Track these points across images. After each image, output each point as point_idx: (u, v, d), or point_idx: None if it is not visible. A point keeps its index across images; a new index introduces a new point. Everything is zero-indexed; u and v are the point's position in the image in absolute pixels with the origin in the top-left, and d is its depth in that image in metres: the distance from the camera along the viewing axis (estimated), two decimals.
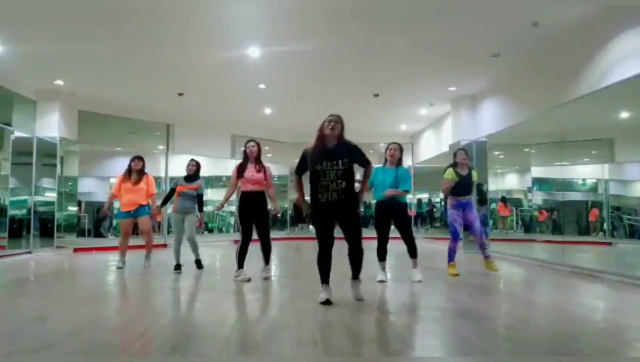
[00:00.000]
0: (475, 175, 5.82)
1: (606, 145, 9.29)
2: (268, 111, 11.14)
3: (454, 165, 5.75)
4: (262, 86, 9.05)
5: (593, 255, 8.59)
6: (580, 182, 10.81)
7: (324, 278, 3.84)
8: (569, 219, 9.93)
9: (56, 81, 8.66)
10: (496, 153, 9.89)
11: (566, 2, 5.56)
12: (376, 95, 9.56)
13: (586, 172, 10.64)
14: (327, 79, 8.71)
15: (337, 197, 3.73)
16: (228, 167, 13.34)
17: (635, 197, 9.37)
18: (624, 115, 7.93)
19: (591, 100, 5.98)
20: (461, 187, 5.67)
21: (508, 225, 11.29)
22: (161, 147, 11.91)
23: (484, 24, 6.18)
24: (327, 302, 3.70)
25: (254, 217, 5.14)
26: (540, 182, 10.53)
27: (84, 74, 8.32)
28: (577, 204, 10.44)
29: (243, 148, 5.37)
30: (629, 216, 9.28)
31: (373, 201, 5.37)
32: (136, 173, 6.25)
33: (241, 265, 5.15)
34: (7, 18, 6.02)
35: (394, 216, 5.13)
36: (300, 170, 4.00)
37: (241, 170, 5.18)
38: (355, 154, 3.82)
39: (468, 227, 5.78)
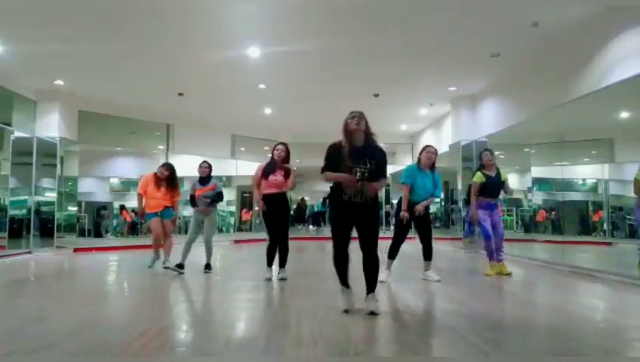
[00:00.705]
0: (504, 174, 5.74)
1: (606, 145, 9.28)
2: (268, 111, 11.13)
3: (481, 167, 5.72)
4: (262, 86, 9.05)
5: (593, 255, 8.59)
6: (580, 182, 10.81)
7: (343, 279, 3.57)
8: (569, 219, 9.93)
9: (56, 81, 8.66)
10: (497, 153, 9.86)
11: (566, 2, 5.56)
12: (376, 95, 9.56)
13: (586, 172, 10.63)
14: (327, 79, 8.71)
15: (361, 199, 3.47)
16: (228, 167, 13.36)
17: (635, 197, 9.36)
18: (624, 114, 7.93)
19: (591, 100, 5.98)
20: (489, 188, 5.65)
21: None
22: (161, 147, 11.91)
23: (484, 24, 6.18)
24: (347, 312, 3.43)
25: (277, 218, 5.19)
26: (540, 182, 10.53)
27: (84, 74, 8.32)
28: (577, 203, 10.44)
29: (271, 150, 5.36)
30: (629, 216, 9.28)
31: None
32: (164, 181, 6.07)
33: (270, 263, 5.21)
34: (7, 18, 6.01)
35: (417, 218, 5.14)
36: (326, 169, 3.57)
37: (267, 172, 5.18)
38: (381, 162, 3.55)
39: (492, 228, 5.73)
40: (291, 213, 14.83)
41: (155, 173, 6.07)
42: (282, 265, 5.25)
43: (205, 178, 5.99)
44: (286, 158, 5.25)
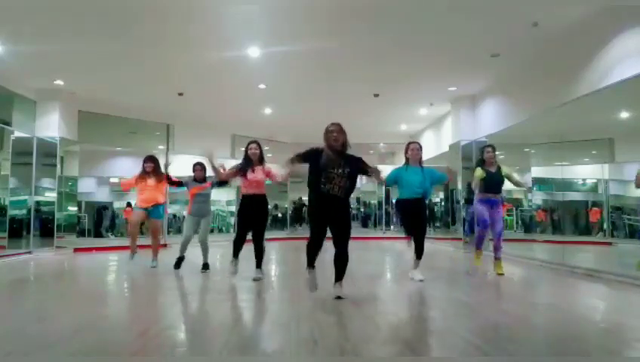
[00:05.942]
0: (504, 170, 5.78)
1: (606, 145, 9.29)
2: (268, 111, 11.14)
3: (482, 163, 5.74)
4: (262, 86, 9.05)
5: (593, 255, 8.59)
6: (580, 182, 10.82)
7: (311, 262, 4.12)
8: (568, 219, 9.93)
9: (56, 81, 8.65)
10: (497, 153, 9.89)
11: (566, 2, 5.56)
12: (376, 95, 9.55)
13: (586, 172, 10.64)
14: (327, 79, 8.70)
15: (339, 192, 3.90)
16: (228, 167, 13.33)
17: (635, 197, 9.36)
18: (624, 114, 7.93)
19: (591, 100, 5.97)
20: (489, 184, 5.68)
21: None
22: (161, 147, 11.90)
23: (484, 24, 6.18)
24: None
25: (252, 219, 5.17)
26: (540, 182, 10.53)
27: (84, 74, 8.31)
28: (577, 203, 10.44)
29: (244, 150, 5.33)
30: (629, 216, 9.29)
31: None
32: (152, 174, 6.27)
33: (236, 254, 5.14)
34: (7, 18, 6.01)
35: (415, 214, 5.14)
36: (298, 160, 4.06)
37: (244, 170, 5.15)
38: (359, 164, 4.03)
39: (490, 225, 5.71)
40: (289, 213, 14.86)
41: (142, 172, 6.26)
42: (259, 265, 5.22)
43: (202, 179, 6.09)
44: (261, 155, 5.27)
